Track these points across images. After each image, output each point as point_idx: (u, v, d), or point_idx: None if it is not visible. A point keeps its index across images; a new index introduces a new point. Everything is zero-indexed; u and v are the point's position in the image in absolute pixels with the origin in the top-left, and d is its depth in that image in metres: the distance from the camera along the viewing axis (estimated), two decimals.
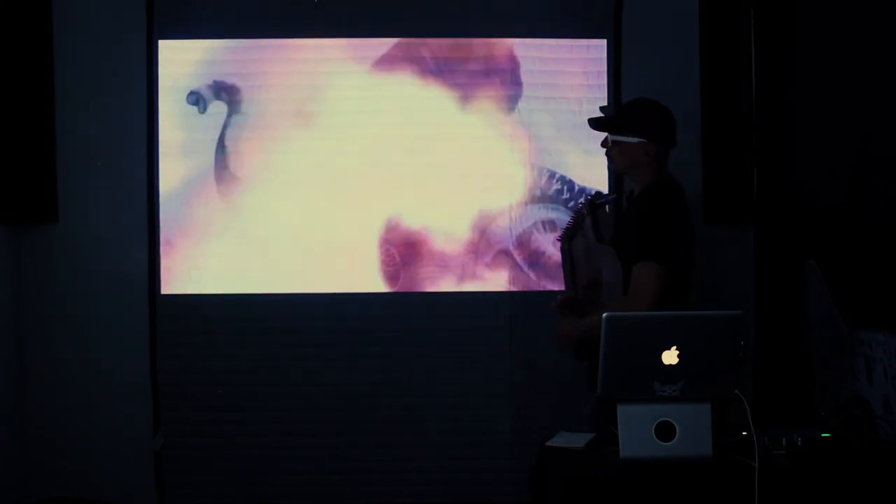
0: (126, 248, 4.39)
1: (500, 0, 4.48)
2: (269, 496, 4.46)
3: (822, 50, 3.86)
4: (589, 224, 3.58)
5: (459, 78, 4.46)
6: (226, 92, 4.45)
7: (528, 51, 4.46)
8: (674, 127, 3.44)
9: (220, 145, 4.44)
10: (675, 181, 3.45)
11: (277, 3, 4.44)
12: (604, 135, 3.47)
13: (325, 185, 4.44)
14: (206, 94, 4.44)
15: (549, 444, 3.04)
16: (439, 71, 4.46)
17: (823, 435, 2.93)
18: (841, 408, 3.26)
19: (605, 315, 2.78)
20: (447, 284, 4.48)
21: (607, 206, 3.72)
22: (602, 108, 3.68)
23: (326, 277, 4.45)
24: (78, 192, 4.36)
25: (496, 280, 4.47)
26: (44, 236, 4.36)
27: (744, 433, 2.77)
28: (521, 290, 4.43)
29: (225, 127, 4.44)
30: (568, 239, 3.62)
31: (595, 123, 3.53)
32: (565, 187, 4.44)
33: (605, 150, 3.50)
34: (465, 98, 4.46)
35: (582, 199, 3.98)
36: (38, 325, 4.37)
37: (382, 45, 4.46)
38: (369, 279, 4.46)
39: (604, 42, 4.46)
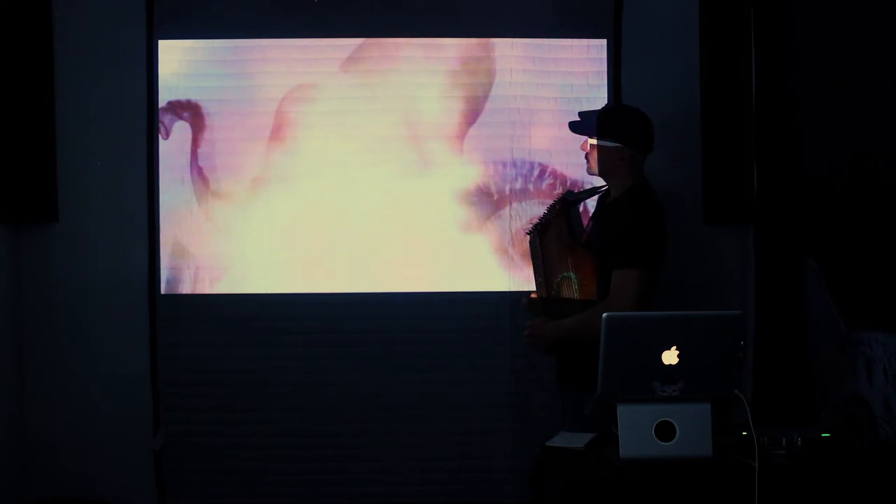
0: (126, 248, 4.39)
1: (500, 0, 4.48)
2: (269, 496, 4.46)
3: (823, 50, 3.86)
4: (563, 222, 3.63)
5: (457, 78, 4.46)
6: (186, 111, 4.43)
7: (528, 51, 4.46)
8: (651, 134, 3.57)
9: (195, 165, 4.43)
10: (651, 187, 3.54)
11: (278, 3, 4.44)
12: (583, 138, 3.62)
13: (321, 185, 4.44)
14: (166, 118, 4.42)
15: (549, 444, 3.05)
16: (437, 71, 4.46)
17: (823, 435, 2.94)
18: (841, 408, 3.27)
19: (604, 315, 2.79)
20: (446, 284, 4.47)
21: (581, 205, 3.81)
22: (581, 114, 3.74)
23: (327, 277, 4.45)
24: (78, 192, 4.36)
25: (495, 280, 4.47)
26: (44, 236, 4.36)
27: (744, 433, 2.77)
28: (520, 290, 4.42)
29: (195, 146, 4.43)
30: (539, 234, 3.66)
31: (574, 127, 3.66)
32: (565, 188, 4.43)
33: (584, 153, 3.63)
34: (464, 98, 4.46)
35: (559, 193, 4.02)
36: (38, 325, 4.37)
37: (379, 44, 4.46)
38: (370, 279, 4.46)
39: (604, 42, 4.46)
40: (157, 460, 4.42)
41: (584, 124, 3.65)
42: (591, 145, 3.58)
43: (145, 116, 4.38)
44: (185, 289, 4.44)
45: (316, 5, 4.41)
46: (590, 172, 3.70)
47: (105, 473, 4.39)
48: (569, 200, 3.75)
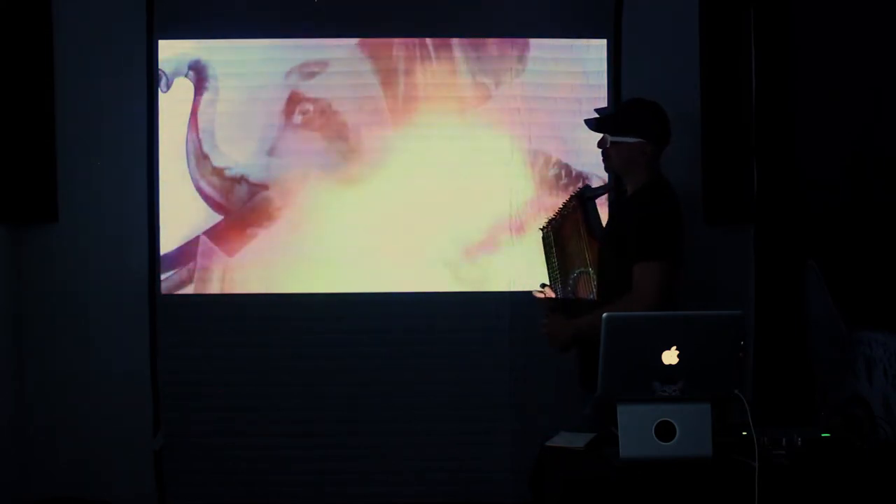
0: (126, 248, 4.39)
1: (500, 0, 4.48)
2: (269, 496, 4.46)
3: (823, 50, 3.87)
4: (580, 217, 3.59)
5: (459, 78, 4.46)
6: (192, 69, 4.42)
7: (528, 50, 4.46)
8: (668, 126, 3.48)
9: (192, 129, 4.42)
10: (668, 181, 3.49)
11: (278, 3, 4.44)
12: (600, 135, 3.51)
13: (321, 184, 4.44)
14: (168, 68, 4.39)
15: (549, 444, 3.04)
16: (436, 70, 4.46)
17: (823, 435, 2.94)
18: (841, 408, 3.26)
19: (604, 315, 2.78)
20: (446, 284, 4.47)
21: (597, 200, 3.77)
22: (598, 111, 3.69)
23: (327, 277, 4.45)
24: (78, 192, 4.36)
25: (495, 280, 4.47)
26: (44, 236, 4.35)
27: (744, 433, 2.77)
28: (520, 290, 4.42)
29: (196, 107, 4.41)
30: (554, 229, 3.63)
31: (594, 124, 3.56)
32: (567, 188, 4.43)
33: (601, 150, 3.53)
34: (465, 98, 4.46)
35: (573, 190, 3.98)
36: (38, 325, 4.37)
37: (380, 42, 4.46)
38: (370, 279, 4.46)
39: (604, 42, 4.46)
40: (157, 460, 4.41)
41: (603, 122, 3.55)
42: (612, 142, 3.47)
43: (145, 116, 4.38)
44: (186, 289, 4.44)
45: (316, 5, 4.41)
46: (608, 170, 3.65)
47: (105, 473, 4.38)
48: (586, 195, 3.69)
